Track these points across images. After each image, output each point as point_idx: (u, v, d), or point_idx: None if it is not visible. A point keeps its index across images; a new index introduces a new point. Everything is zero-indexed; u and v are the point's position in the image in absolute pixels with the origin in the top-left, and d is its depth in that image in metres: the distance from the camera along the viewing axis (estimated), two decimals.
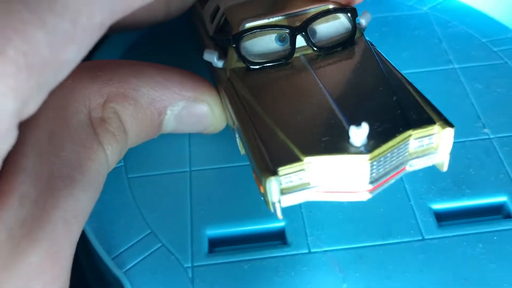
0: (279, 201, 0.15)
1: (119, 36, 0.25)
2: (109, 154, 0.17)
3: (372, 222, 0.19)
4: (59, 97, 0.16)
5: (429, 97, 0.22)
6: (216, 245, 0.19)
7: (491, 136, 0.21)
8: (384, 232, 0.19)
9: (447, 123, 0.16)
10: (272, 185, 0.15)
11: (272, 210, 0.15)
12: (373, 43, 0.19)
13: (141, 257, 0.18)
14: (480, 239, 0.18)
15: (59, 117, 0.16)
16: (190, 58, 0.24)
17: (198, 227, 0.19)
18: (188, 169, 0.21)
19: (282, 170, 0.15)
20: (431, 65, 0.24)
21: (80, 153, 0.16)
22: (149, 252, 0.18)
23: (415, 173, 0.20)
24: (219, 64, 0.19)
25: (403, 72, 0.23)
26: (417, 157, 0.16)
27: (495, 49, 0.25)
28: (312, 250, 0.18)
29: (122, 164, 0.21)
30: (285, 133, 0.16)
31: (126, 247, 0.19)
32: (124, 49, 0.26)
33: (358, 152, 0.15)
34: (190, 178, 0.21)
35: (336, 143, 0.15)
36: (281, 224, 0.19)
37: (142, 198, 0.20)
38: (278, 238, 0.19)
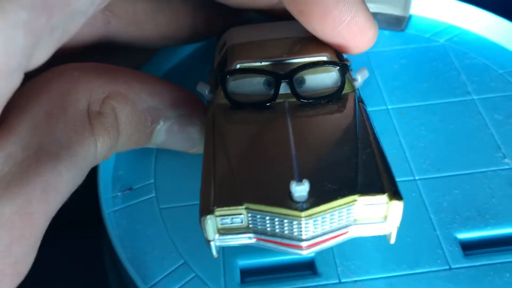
0: (214, 240, 0.16)
1: (152, 64, 0.26)
2: (99, 145, 0.18)
3: (400, 251, 0.19)
4: (64, 83, 0.17)
5: (449, 128, 0.23)
6: (248, 275, 0.19)
7: None
8: (411, 261, 0.19)
9: (396, 195, 0.15)
10: (207, 224, 0.15)
11: (207, 246, 0.16)
12: (362, 99, 0.19)
13: (176, 287, 0.19)
14: (507, 269, 0.19)
15: (60, 101, 0.17)
16: None
17: (229, 257, 0.20)
18: None
19: (219, 211, 0.15)
20: (450, 96, 0.25)
21: (71, 137, 0.17)
22: (183, 282, 0.19)
23: (439, 203, 0.21)
24: (209, 97, 0.20)
25: (423, 103, 0.24)
26: (363, 223, 0.16)
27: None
28: (343, 280, 0.19)
29: (154, 195, 0.22)
30: (238, 175, 0.16)
31: (160, 278, 0.19)
32: (166, 69, 0.27)
33: (294, 208, 0.15)
34: None
35: (279, 195, 0.15)
36: (310, 254, 0.20)
37: (174, 229, 0.21)
38: (307, 268, 0.20)
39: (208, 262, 0.19)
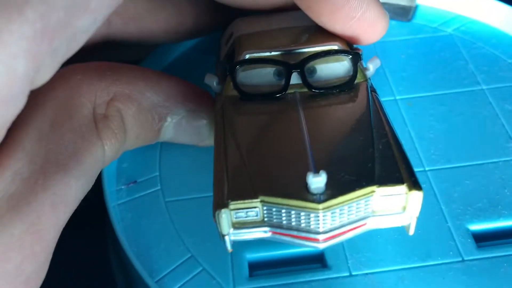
0: (229, 234, 0.15)
1: (154, 57, 0.26)
2: (106, 149, 0.17)
3: (411, 244, 0.19)
4: (67, 89, 0.17)
5: (459, 118, 0.23)
6: (256, 268, 0.19)
7: None
8: (423, 254, 0.19)
9: (416, 185, 0.15)
10: (221, 218, 0.15)
11: (222, 241, 0.15)
12: (375, 88, 0.19)
13: (183, 281, 0.18)
14: None
15: (64, 108, 0.17)
16: None
17: (237, 250, 0.19)
18: None
19: (233, 204, 0.15)
20: (459, 86, 0.24)
21: (78, 144, 0.16)
22: (191, 276, 0.19)
23: (450, 194, 0.20)
24: (217, 88, 0.19)
25: (432, 93, 0.24)
26: (381, 215, 0.15)
27: None
28: (353, 273, 0.18)
29: (159, 188, 0.21)
30: (252, 168, 0.15)
31: (167, 271, 0.19)
32: (161, 67, 0.26)
33: (311, 200, 0.14)
34: None
35: (295, 187, 0.15)
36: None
37: (180, 222, 0.20)
38: (317, 261, 0.19)
39: (215, 256, 0.19)
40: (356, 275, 0.18)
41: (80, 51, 0.21)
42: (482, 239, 0.19)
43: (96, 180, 0.18)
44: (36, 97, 0.17)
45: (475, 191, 0.20)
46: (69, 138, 0.16)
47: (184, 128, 0.20)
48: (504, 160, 0.21)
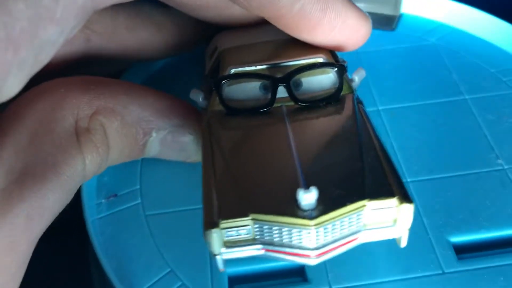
0: (220, 254, 0.15)
1: (137, 67, 0.26)
2: (87, 163, 0.17)
3: (392, 256, 0.19)
4: (49, 102, 0.17)
5: (441, 129, 0.23)
6: (236, 282, 0.19)
7: (505, 167, 0.21)
8: (404, 266, 0.19)
9: (406, 198, 0.15)
10: (212, 238, 0.15)
11: (213, 260, 0.15)
12: (361, 100, 0.19)
13: None
14: (501, 272, 0.18)
15: (45, 121, 0.16)
16: None
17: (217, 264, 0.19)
18: None
19: (224, 223, 0.15)
20: (442, 96, 0.24)
21: (57, 157, 0.16)
22: None
23: (431, 205, 0.20)
24: (203, 104, 0.19)
25: (415, 103, 0.24)
26: (373, 228, 0.15)
27: (504, 79, 0.25)
28: (333, 287, 0.18)
29: (139, 201, 0.21)
30: (241, 185, 0.15)
31: (147, 286, 0.19)
32: (142, 80, 0.26)
33: (303, 216, 0.14)
34: None
35: (286, 204, 0.15)
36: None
37: (160, 236, 0.20)
38: (298, 274, 0.19)
39: (195, 270, 0.19)
40: None
41: (59, 67, 0.21)
42: (463, 251, 0.19)
43: (75, 194, 0.18)
44: (17, 109, 0.17)
45: (456, 203, 0.20)
46: (49, 151, 0.16)
47: (169, 144, 0.20)
48: (486, 171, 0.21)
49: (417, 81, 0.25)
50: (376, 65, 0.26)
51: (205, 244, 0.19)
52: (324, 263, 0.19)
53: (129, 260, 0.19)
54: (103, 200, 0.21)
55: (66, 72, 0.20)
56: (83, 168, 0.17)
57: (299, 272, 0.19)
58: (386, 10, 0.28)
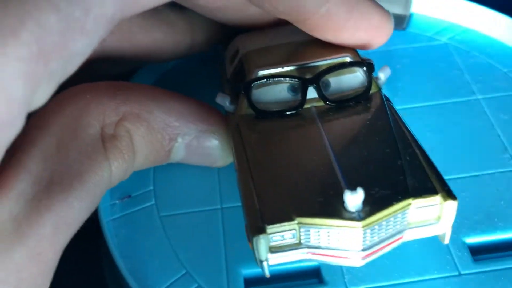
0: (267, 259, 0.15)
1: (149, 67, 0.26)
2: (113, 170, 0.17)
3: (408, 258, 0.19)
4: (75, 108, 0.17)
5: (454, 129, 0.23)
6: (252, 284, 0.19)
7: None
8: (420, 268, 0.19)
9: (450, 194, 0.15)
10: (260, 244, 0.14)
11: (259, 266, 0.15)
12: (389, 98, 0.19)
13: None
14: None
15: (71, 128, 0.16)
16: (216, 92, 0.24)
17: (233, 266, 0.19)
18: (219, 206, 0.21)
19: (271, 228, 0.14)
20: (454, 96, 0.24)
21: (83, 164, 0.16)
22: None
23: None
24: (230, 108, 0.19)
25: (427, 103, 0.24)
26: (416, 226, 0.15)
27: None
28: None
29: (153, 202, 0.21)
30: (282, 188, 0.15)
31: None
32: (154, 80, 0.26)
33: (351, 218, 0.14)
34: (222, 216, 0.21)
35: (331, 206, 0.14)
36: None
37: (175, 237, 0.20)
38: (313, 276, 0.19)
39: (211, 272, 0.19)
40: None
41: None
42: (479, 252, 0.19)
43: None
44: (43, 116, 0.17)
45: (471, 204, 0.20)
46: (75, 158, 0.16)
47: (195, 149, 0.20)
48: (500, 171, 0.21)
49: (429, 81, 0.25)
50: (387, 65, 0.26)
51: (221, 245, 0.19)
52: (339, 265, 0.19)
53: (145, 261, 0.19)
54: (117, 201, 0.21)
55: (78, 70, 0.20)
56: (109, 175, 0.17)
57: (315, 274, 0.19)
58: (396, 10, 0.27)
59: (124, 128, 0.17)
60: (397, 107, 0.24)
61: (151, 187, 0.21)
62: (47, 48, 0.12)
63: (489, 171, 0.21)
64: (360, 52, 0.20)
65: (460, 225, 0.20)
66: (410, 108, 0.24)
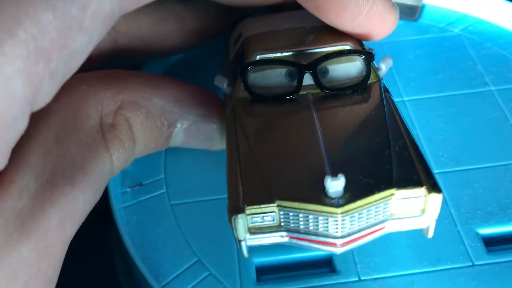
0: (245, 239, 0.15)
1: (155, 62, 0.25)
2: (114, 159, 0.17)
3: (421, 248, 0.19)
4: (72, 100, 0.17)
5: (467, 120, 0.23)
6: (264, 273, 0.19)
7: None
8: (433, 258, 0.19)
9: (435, 187, 0.15)
10: (238, 223, 0.14)
11: (238, 247, 0.15)
12: (388, 89, 0.19)
13: (190, 286, 0.18)
14: None
15: (70, 120, 0.16)
16: None
17: None
18: None
19: (249, 209, 0.14)
20: (467, 87, 0.24)
21: (85, 156, 0.16)
22: (198, 280, 0.18)
23: (459, 197, 0.20)
24: (227, 90, 0.19)
25: (440, 94, 0.24)
26: (400, 218, 0.15)
27: None
28: (362, 278, 0.18)
29: (164, 190, 0.21)
30: (266, 172, 0.15)
31: (174, 276, 0.18)
32: (165, 69, 0.26)
33: (330, 204, 0.14)
34: None
35: (312, 191, 0.14)
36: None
37: (186, 225, 0.20)
38: (325, 265, 0.19)
39: (222, 260, 0.19)
40: (365, 280, 0.18)
41: (87, 66, 0.21)
42: (492, 243, 0.19)
43: None
44: (40, 110, 0.16)
45: (484, 195, 0.20)
46: (75, 150, 0.16)
47: (194, 133, 0.20)
48: None
49: (442, 72, 0.25)
50: (399, 56, 0.26)
51: (232, 233, 0.19)
52: (352, 254, 0.19)
53: (156, 249, 0.19)
54: (128, 189, 0.21)
55: (90, 67, 0.19)
56: (110, 164, 0.17)
57: (327, 263, 0.19)
58: (409, 1, 0.27)
59: (123, 117, 0.17)
60: (410, 97, 0.24)
61: (162, 175, 0.21)
62: (45, 46, 0.12)
63: (503, 163, 0.21)
64: (371, 43, 0.20)
65: (473, 216, 0.20)
66: (422, 99, 0.24)
